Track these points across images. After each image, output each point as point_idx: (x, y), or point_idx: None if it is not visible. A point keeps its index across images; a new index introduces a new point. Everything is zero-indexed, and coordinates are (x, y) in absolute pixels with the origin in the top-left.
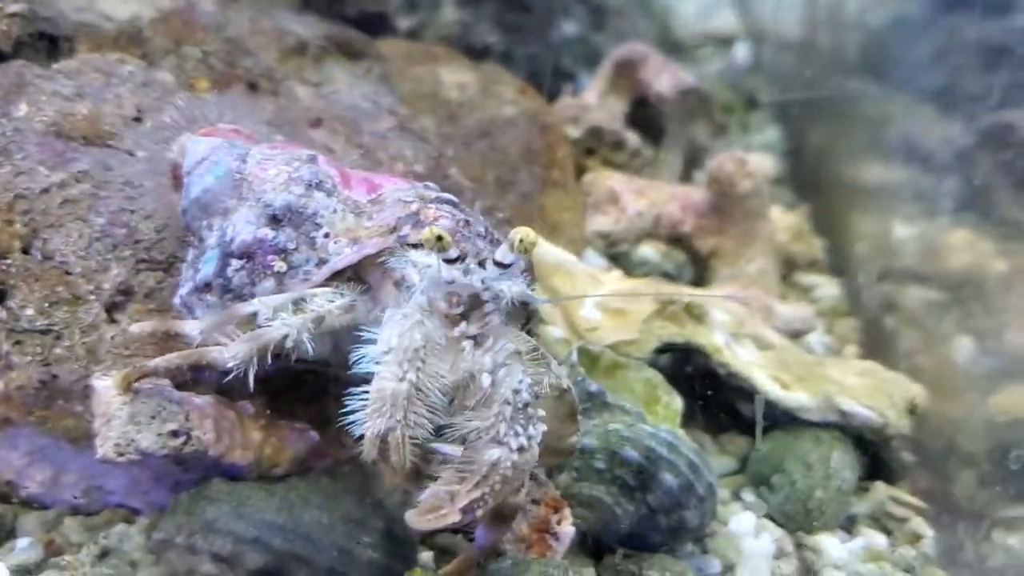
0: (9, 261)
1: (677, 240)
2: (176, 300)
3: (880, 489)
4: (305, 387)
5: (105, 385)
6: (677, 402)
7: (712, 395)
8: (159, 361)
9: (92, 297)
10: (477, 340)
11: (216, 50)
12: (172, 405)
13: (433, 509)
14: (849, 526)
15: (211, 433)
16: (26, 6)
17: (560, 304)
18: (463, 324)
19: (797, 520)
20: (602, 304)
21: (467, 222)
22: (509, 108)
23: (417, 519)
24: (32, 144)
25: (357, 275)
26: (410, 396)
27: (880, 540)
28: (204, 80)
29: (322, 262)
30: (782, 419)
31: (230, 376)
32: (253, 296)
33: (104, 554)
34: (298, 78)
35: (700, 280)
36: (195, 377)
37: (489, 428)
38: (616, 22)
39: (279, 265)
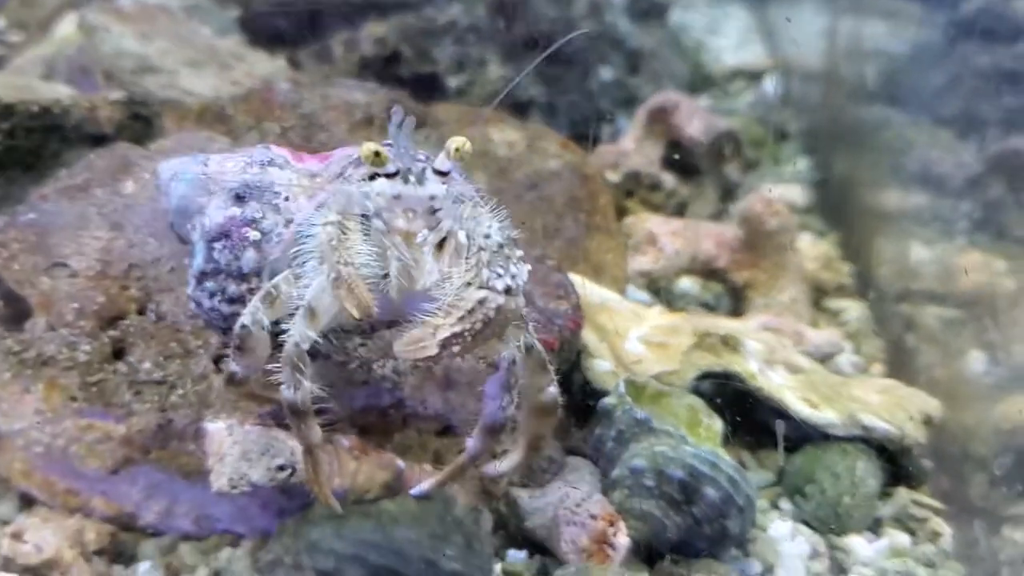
0: (128, 322)
1: (713, 274)
2: (191, 305)
3: (902, 493)
4: (388, 420)
5: (216, 427)
6: (717, 424)
7: (749, 416)
8: (234, 368)
9: (201, 351)
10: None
11: (293, 126)
12: (279, 442)
13: (415, 341)
14: (875, 527)
15: None
16: (125, 93)
17: (607, 339)
18: (424, 232)
19: (828, 524)
20: (645, 339)
21: (405, 149)
22: (553, 161)
23: (401, 349)
24: (140, 218)
25: None
26: (338, 239)
27: (903, 539)
28: None
29: (288, 222)
30: (812, 435)
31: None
32: (241, 270)
33: (216, 575)
34: None
35: (736, 309)
36: None
37: (473, 279)
38: (650, 64)
39: (253, 235)
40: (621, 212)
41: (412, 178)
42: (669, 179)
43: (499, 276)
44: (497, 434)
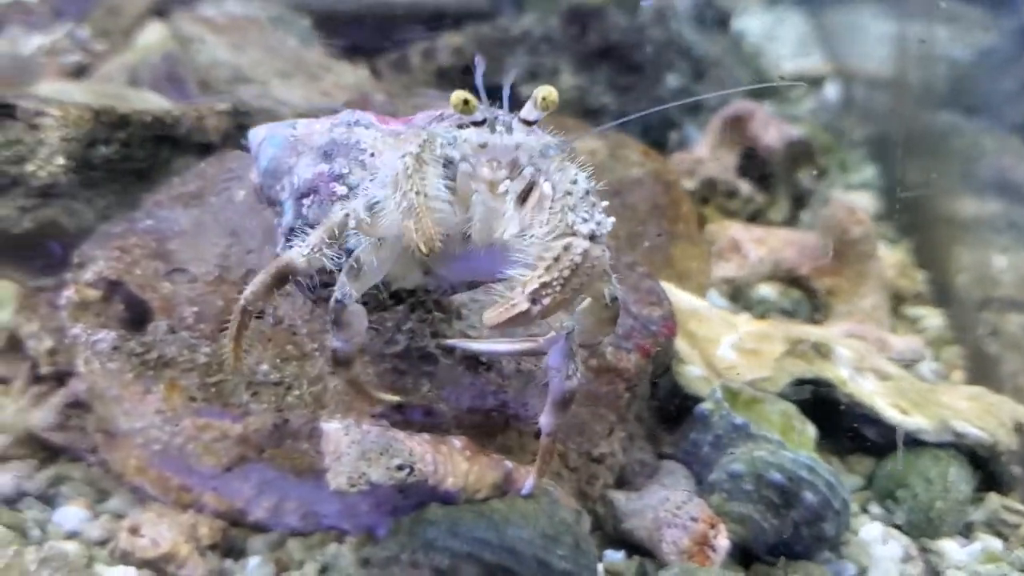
0: None
1: (794, 281)
2: None
3: (993, 499)
4: (491, 422)
5: (332, 427)
6: (811, 430)
7: (836, 422)
8: (249, 290)
9: (317, 354)
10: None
11: None
12: (397, 442)
13: (504, 303)
14: (967, 532)
15: (431, 465)
16: (230, 104)
17: (698, 346)
18: (507, 182)
19: (920, 528)
20: (737, 345)
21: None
22: (635, 169)
23: (490, 316)
24: (255, 224)
25: None
26: (413, 168)
27: (996, 544)
28: None
29: (374, 176)
30: (904, 441)
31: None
32: None
33: (324, 570)
34: None
35: (816, 316)
36: (407, 418)
37: (558, 224)
38: (714, 71)
39: (340, 189)
40: (700, 220)
41: (500, 127)
42: (745, 186)
43: (584, 221)
44: (568, 405)
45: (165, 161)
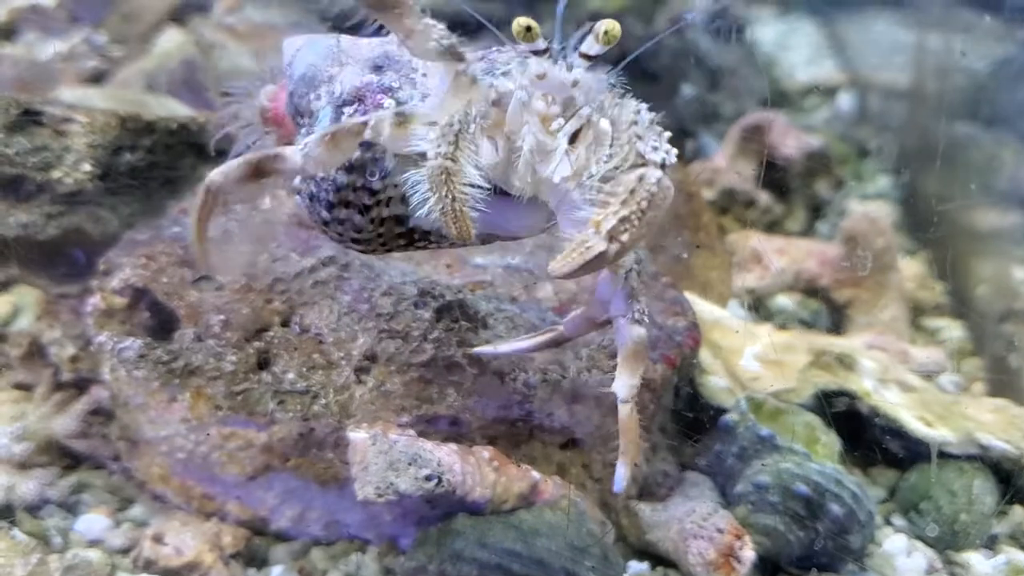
0: (272, 334)
1: (815, 292)
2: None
3: (1018, 511)
4: (516, 432)
5: (359, 436)
6: (835, 442)
7: (859, 434)
8: (220, 169)
9: (343, 362)
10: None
11: None
12: (427, 453)
13: (576, 246)
14: (991, 545)
15: (459, 476)
16: None
17: (721, 356)
18: (559, 120)
19: (945, 540)
20: (760, 357)
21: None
22: None
23: (559, 263)
24: (282, 234)
25: None
26: (449, 168)
27: (1021, 557)
28: None
29: (424, 97)
30: (928, 453)
31: (303, 183)
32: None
33: None
34: None
35: (837, 327)
36: (433, 428)
37: (627, 155)
38: (729, 81)
39: (388, 103)
40: (720, 229)
41: (561, 60)
42: (764, 197)
43: (655, 149)
44: (642, 356)
45: (190, 168)
